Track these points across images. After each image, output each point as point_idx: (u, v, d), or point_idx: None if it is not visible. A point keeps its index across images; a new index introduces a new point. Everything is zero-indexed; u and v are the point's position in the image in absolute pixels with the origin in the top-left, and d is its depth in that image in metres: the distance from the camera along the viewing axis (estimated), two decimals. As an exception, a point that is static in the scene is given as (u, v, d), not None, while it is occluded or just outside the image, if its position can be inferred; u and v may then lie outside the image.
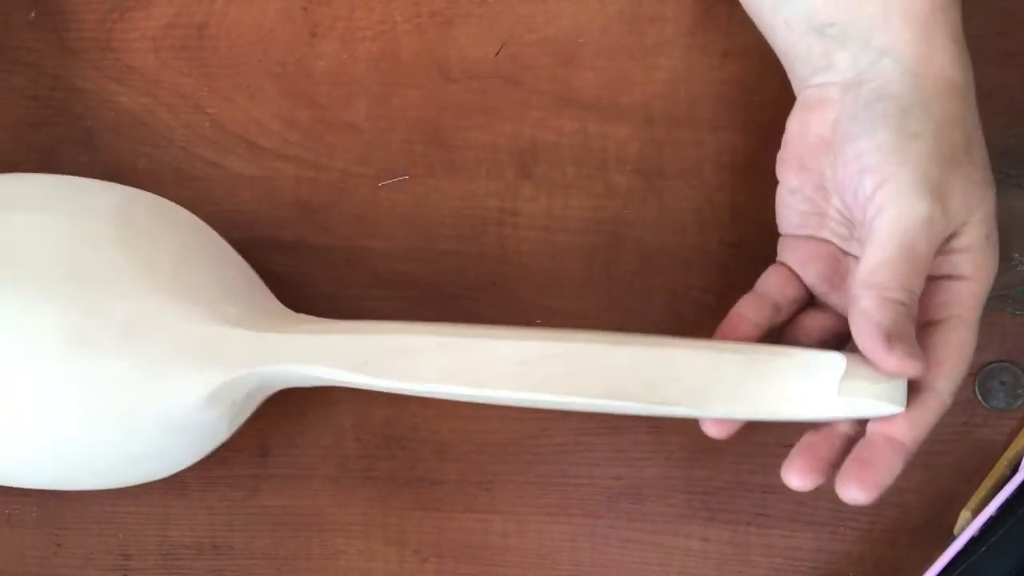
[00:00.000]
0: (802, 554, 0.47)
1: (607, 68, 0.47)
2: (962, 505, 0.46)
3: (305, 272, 0.48)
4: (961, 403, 0.46)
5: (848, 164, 0.37)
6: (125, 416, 0.38)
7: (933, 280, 0.38)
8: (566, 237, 0.47)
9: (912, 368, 0.35)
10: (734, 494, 0.46)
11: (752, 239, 0.47)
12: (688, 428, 0.47)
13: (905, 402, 0.37)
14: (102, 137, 0.48)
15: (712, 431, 0.40)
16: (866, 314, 0.36)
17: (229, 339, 0.38)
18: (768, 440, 0.47)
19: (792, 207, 0.42)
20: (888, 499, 0.46)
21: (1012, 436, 0.46)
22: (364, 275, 0.48)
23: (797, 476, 0.38)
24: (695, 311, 0.47)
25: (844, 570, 0.47)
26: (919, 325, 0.37)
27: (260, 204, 0.48)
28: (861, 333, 0.36)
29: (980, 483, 0.46)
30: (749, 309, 0.41)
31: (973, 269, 0.37)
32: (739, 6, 0.43)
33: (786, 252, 0.43)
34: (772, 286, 0.42)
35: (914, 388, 0.37)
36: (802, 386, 0.38)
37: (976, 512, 0.44)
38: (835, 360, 0.38)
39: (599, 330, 0.40)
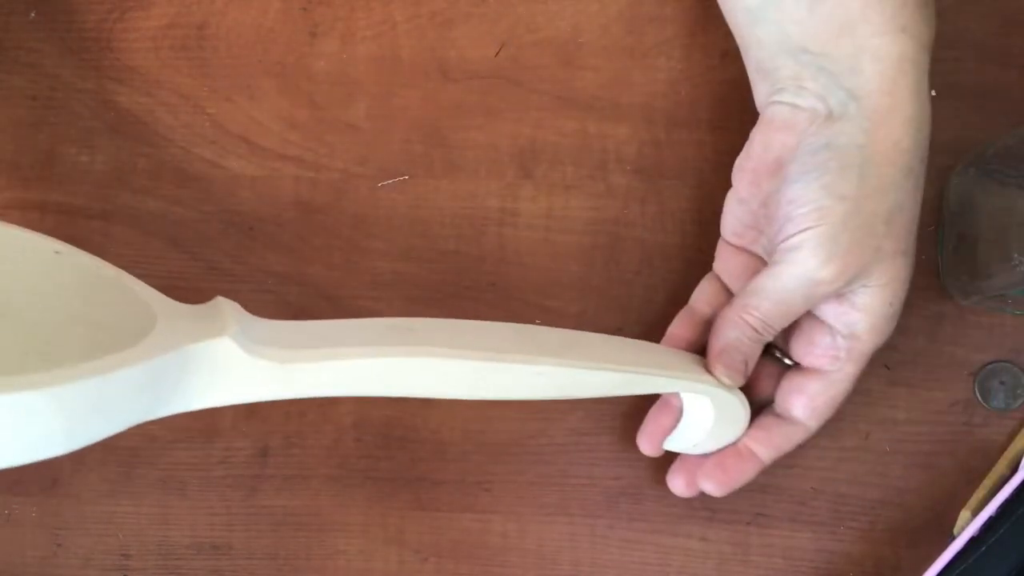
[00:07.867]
0: (802, 554, 0.47)
1: (607, 68, 0.47)
2: (962, 505, 0.46)
3: (305, 272, 0.48)
4: (961, 403, 0.46)
5: (781, 204, 0.40)
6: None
7: (828, 330, 0.41)
8: (566, 237, 0.47)
9: (728, 381, 0.42)
10: (734, 494, 0.46)
11: (752, 239, 0.46)
12: (688, 428, 0.47)
13: (736, 406, 0.43)
14: (102, 137, 0.48)
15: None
16: (718, 323, 0.42)
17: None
18: (768, 440, 0.47)
19: (737, 216, 0.43)
20: (888, 499, 0.46)
21: (1012, 436, 0.46)
22: (364, 275, 0.48)
23: (647, 443, 0.45)
24: (695, 311, 0.47)
25: (844, 570, 0.47)
26: (809, 368, 0.42)
27: (260, 204, 0.48)
28: (711, 336, 0.43)
29: (980, 483, 0.46)
30: (683, 329, 0.45)
31: (866, 330, 0.41)
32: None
33: (721, 261, 0.45)
34: (704, 302, 0.45)
35: (788, 420, 0.43)
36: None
37: (976, 512, 0.44)
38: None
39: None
